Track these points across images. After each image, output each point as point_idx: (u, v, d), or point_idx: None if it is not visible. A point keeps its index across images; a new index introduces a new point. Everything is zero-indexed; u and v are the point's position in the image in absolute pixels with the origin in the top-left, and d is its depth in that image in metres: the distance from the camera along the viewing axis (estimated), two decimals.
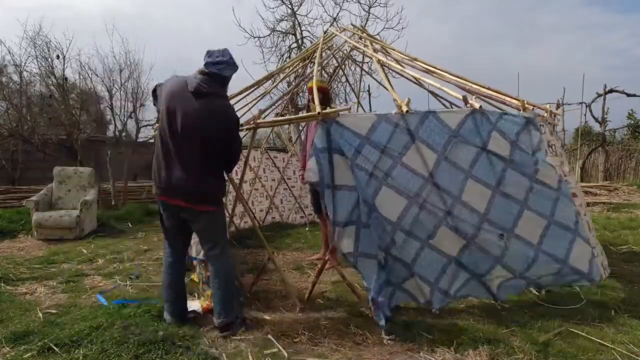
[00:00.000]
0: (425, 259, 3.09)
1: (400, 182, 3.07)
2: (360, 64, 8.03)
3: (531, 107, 3.62)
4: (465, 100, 3.39)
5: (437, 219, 3.12)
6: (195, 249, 3.58)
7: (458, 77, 4.20)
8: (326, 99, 4.17)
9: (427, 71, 4.48)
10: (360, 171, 3.02)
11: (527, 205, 3.27)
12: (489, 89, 4.02)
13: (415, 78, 4.55)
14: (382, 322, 2.86)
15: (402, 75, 4.96)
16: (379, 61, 4.40)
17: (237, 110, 4.88)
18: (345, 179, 3.05)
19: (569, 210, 3.39)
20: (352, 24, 7.51)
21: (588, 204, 9.37)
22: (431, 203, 3.11)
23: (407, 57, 4.86)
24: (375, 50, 4.97)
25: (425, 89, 5.16)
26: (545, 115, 3.88)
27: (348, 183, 3.05)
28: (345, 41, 5.81)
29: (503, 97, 3.86)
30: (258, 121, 3.54)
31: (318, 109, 3.03)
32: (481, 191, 3.19)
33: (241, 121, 3.32)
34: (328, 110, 3.07)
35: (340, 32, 6.02)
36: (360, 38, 5.69)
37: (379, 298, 2.92)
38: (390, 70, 5.45)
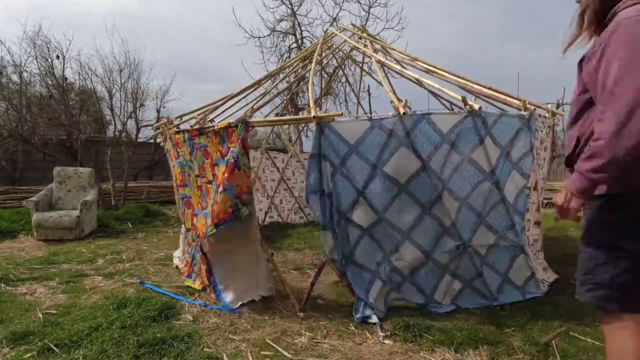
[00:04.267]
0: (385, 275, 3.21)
1: (376, 194, 3.14)
2: (360, 64, 8.02)
3: (532, 108, 3.61)
4: (464, 100, 3.39)
5: (402, 234, 3.20)
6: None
7: (459, 77, 4.19)
8: None
9: (428, 71, 4.47)
10: (342, 179, 3.08)
11: (484, 219, 3.36)
12: (489, 88, 4.02)
13: (415, 78, 4.55)
14: (375, 320, 2.97)
15: (402, 76, 4.96)
16: (378, 61, 4.39)
17: (237, 111, 4.93)
18: (330, 186, 3.12)
19: (517, 226, 3.51)
20: (352, 24, 7.51)
21: None
22: (399, 217, 3.18)
23: (407, 57, 4.86)
24: (375, 50, 4.97)
25: (425, 89, 5.15)
26: (547, 115, 3.88)
27: (332, 191, 3.13)
28: (345, 41, 5.81)
29: (504, 97, 3.85)
30: (249, 120, 3.48)
31: (313, 112, 3.05)
32: (451, 203, 3.24)
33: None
34: (323, 114, 3.11)
35: (340, 32, 6.02)
36: (360, 38, 5.69)
37: (368, 299, 3.09)
38: (391, 71, 5.45)
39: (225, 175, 3.26)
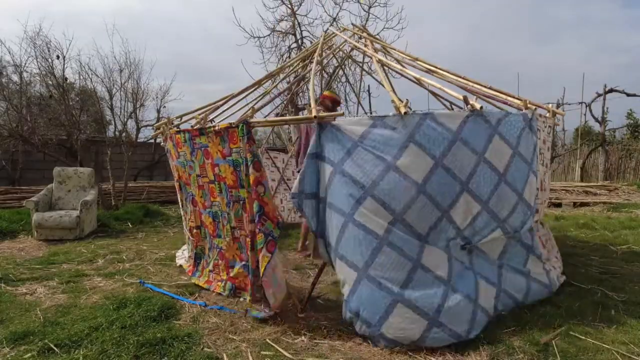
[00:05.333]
0: (417, 282, 2.84)
1: (389, 191, 2.85)
2: (361, 64, 8.02)
3: (533, 107, 3.61)
4: (466, 100, 3.37)
5: (422, 239, 2.91)
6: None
7: (459, 76, 4.18)
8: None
9: (428, 71, 4.47)
10: (344, 177, 2.89)
11: (502, 225, 3.23)
12: (490, 88, 4.01)
13: (415, 78, 4.54)
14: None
15: (402, 75, 4.96)
16: (378, 61, 4.39)
17: (237, 111, 4.93)
18: (328, 189, 2.99)
19: (529, 226, 3.47)
20: (352, 24, 7.50)
21: (588, 204, 9.39)
22: (420, 218, 2.88)
23: (408, 57, 4.85)
24: (375, 50, 4.96)
25: (425, 89, 5.15)
26: (547, 114, 3.88)
27: (330, 198, 2.99)
28: (345, 41, 5.81)
29: (505, 96, 3.85)
30: (250, 120, 3.46)
31: (314, 112, 3.02)
32: (472, 206, 3.05)
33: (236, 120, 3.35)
34: (324, 114, 3.05)
35: (340, 32, 6.02)
36: (361, 38, 5.68)
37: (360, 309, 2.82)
38: (391, 71, 5.45)
39: (257, 175, 3.19)
